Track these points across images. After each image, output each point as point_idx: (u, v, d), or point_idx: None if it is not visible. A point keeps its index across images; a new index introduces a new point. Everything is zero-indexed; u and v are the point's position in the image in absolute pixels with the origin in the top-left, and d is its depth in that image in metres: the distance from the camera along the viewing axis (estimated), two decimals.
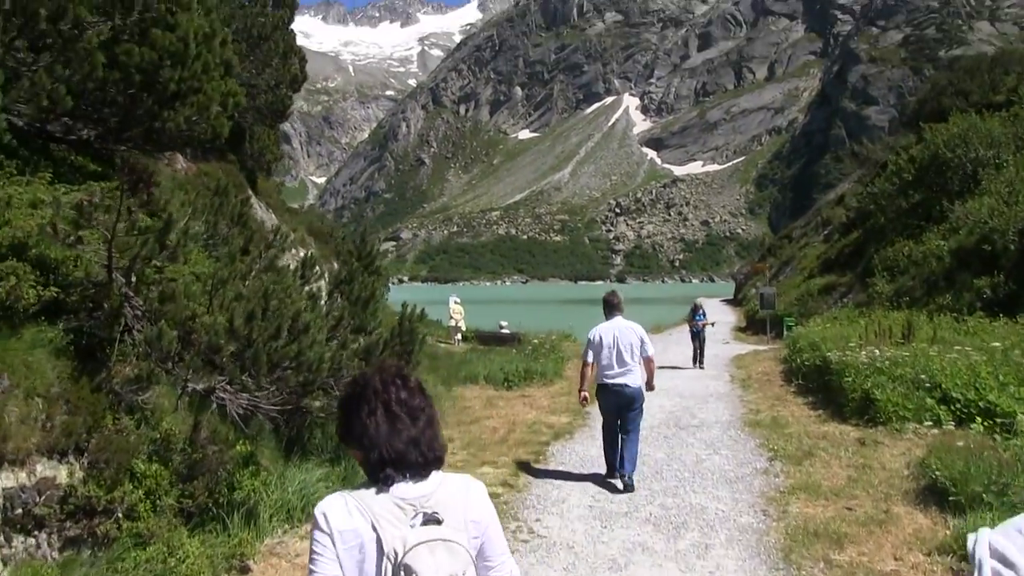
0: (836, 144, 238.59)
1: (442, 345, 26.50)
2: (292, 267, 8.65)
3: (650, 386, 9.05)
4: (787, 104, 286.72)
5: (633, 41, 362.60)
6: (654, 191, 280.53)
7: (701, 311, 22.50)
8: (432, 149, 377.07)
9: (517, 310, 66.72)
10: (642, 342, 8.70)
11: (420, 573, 2.09)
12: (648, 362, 8.85)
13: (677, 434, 11.35)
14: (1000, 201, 21.99)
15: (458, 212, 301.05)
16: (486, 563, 2.32)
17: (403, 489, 2.20)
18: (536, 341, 22.75)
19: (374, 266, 8.70)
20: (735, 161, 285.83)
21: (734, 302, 58.86)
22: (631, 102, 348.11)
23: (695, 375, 19.02)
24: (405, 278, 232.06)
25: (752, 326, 35.20)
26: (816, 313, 27.34)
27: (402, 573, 2.10)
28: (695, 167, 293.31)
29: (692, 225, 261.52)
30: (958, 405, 10.21)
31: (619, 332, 8.69)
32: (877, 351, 12.45)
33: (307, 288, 7.96)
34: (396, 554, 2.10)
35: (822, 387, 13.79)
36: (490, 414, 13.01)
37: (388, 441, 2.21)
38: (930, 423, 10.03)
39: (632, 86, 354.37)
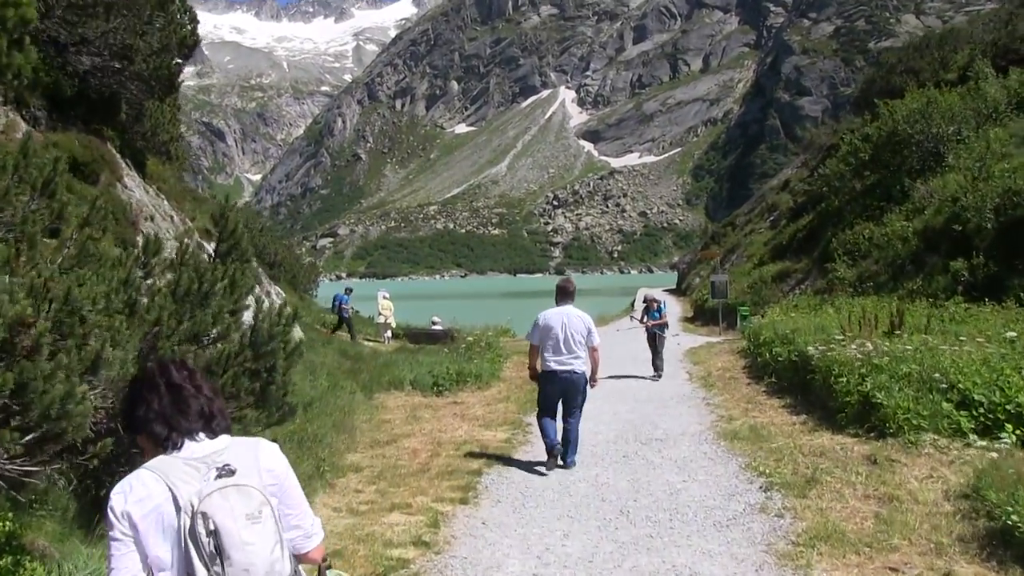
0: (771, 134, 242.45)
1: (369, 344, 24.20)
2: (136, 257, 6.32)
3: (593, 380, 8.89)
4: (722, 95, 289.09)
5: (568, 34, 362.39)
6: (591, 183, 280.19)
7: (657, 307, 17.65)
8: (368, 144, 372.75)
9: (455, 305, 64.70)
10: (589, 331, 8.65)
11: (216, 517, 2.18)
12: (593, 351, 8.77)
13: (640, 452, 9.26)
14: (969, 178, 20.42)
15: (395, 207, 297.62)
16: (290, 510, 2.43)
17: (192, 449, 2.35)
18: (470, 339, 20.56)
19: (240, 249, 6.40)
20: (672, 152, 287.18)
21: (678, 291, 57.22)
22: (567, 95, 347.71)
23: (643, 360, 17.38)
24: (343, 274, 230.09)
25: (701, 316, 33.46)
26: (771, 301, 25.66)
27: (200, 522, 2.18)
28: (632, 159, 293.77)
29: (630, 216, 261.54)
30: (981, 410, 8.33)
31: (568, 319, 8.60)
32: (869, 344, 10.52)
33: (148, 281, 5.64)
34: (192, 506, 2.19)
35: (801, 387, 11.86)
36: (412, 430, 10.78)
37: (175, 415, 2.38)
38: (950, 433, 8.12)
39: (568, 79, 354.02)
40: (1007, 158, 21.04)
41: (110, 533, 2.22)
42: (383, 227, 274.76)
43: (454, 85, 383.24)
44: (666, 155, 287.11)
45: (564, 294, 8.85)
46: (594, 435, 10.16)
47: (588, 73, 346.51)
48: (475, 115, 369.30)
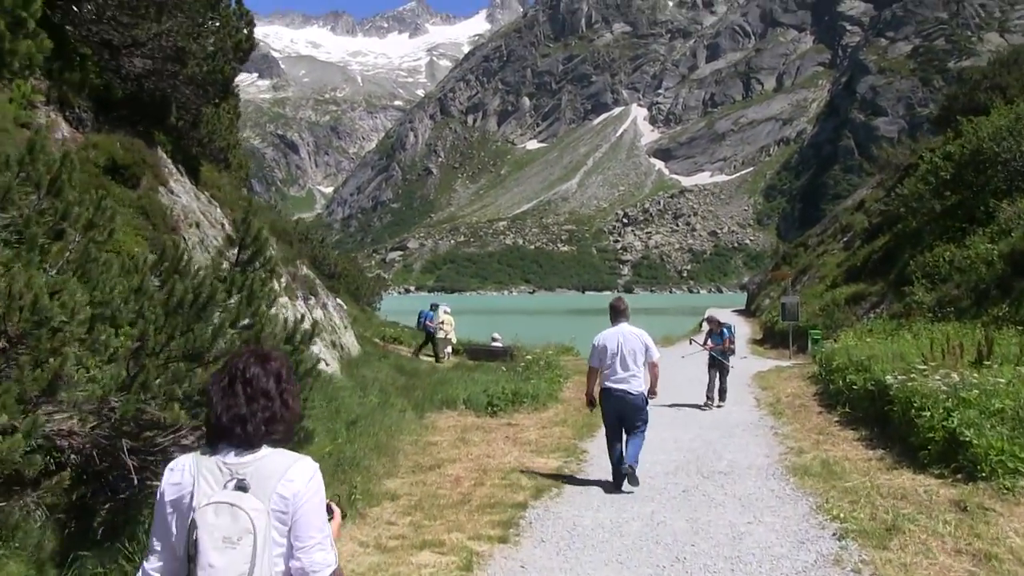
0: (845, 155, 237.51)
1: (426, 359, 23.76)
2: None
3: (653, 392, 9.02)
4: (795, 115, 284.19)
5: (641, 52, 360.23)
6: (662, 201, 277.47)
7: (720, 330, 16.07)
8: (439, 159, 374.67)
9: (520, 321, 64.23)
10: (647, 348, 8.75)
11: (200, 529, 2.29)
12: (653, 367, 8.91)
13: (700, 485, 8.56)
14: None
15: (465, 222, 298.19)
16: (296, 541, 2.42)
17: (227, 455, 2.44)
18: (529, 357, 19.95)
19: (263, 256, 5.91)
20: (743, 172, 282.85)
21: (747, 312, 55.85)
22: (639, 112, 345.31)
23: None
24: (412, 288, 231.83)
25: (770, 339, 32.33)
26: (845, 325, 24.51)
27: (191, 527, 2.31)
28: (703, 178, 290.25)
29: (700, 236, 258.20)
30: None
31: (624, 337, 8.72)
32: (955, 375, 9.64)
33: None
34: (195, 508, 2.33)
35: (877, 419, 11.00)
36: (459, 454, 10.21)
37: (218, 413, 2.46)
38: None
39: (640, 97, 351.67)
40: None
41: (156, 503, 2.46)
42: (452, 241, 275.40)
43: (526, 101, 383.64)
44: (737, 174, 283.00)
45: (617, 313, 9.04)
46: (652, 465, 9.48)
47: (660, 91, 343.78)
48: (546, 131, 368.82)
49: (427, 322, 25.78)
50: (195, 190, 14.10)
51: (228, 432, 2.44)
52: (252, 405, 2.46)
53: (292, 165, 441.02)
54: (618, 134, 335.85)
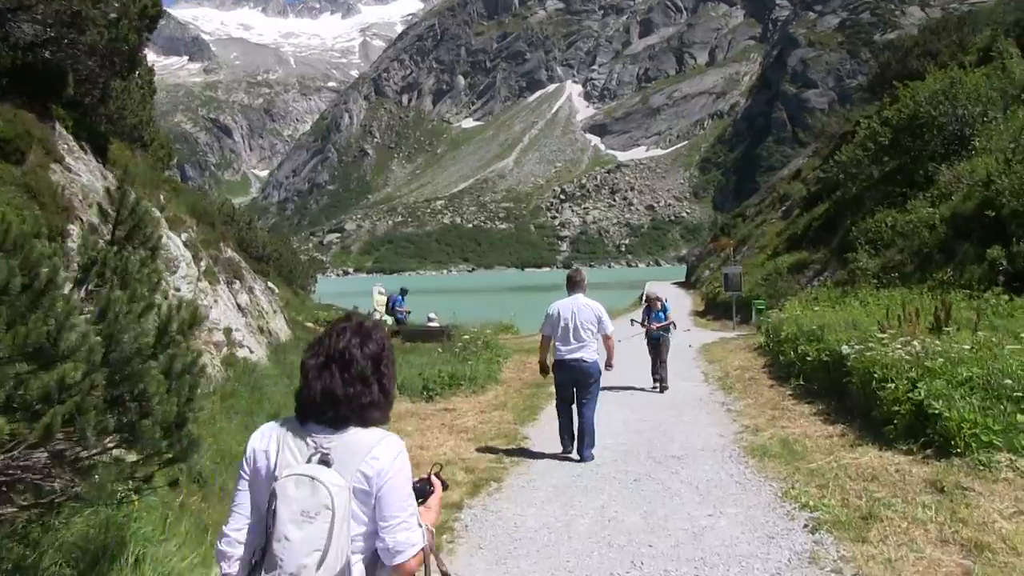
0: (777, 127, 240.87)
1: None
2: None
3: (609, 364, 9.05)
4: (728, 88, 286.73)
5: (575, 28, 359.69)
6: (598, 177, 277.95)
7: (660, 306, 14.85)
8: (375, 140, 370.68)
9: (459, 300, 63.36)
10: (600, 320, 8.73)
11: (279, 500, 2.23)
12: (607, 339, 8.93)
13: (653, 472, 7.86)
14: (1002, 160, 18.94)
15: (402, 202, 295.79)
16: (381, 521, 2.36)
17: (315, 429, 2.39)
18: (467, 337, 19.16)
19: (144, 233, 4.97)
20: (678, 146, 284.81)
21: (687, 284, 55.78)
22: (574, 89, 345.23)
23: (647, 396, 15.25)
24: (350, 269, 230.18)
25: (713, 310, 32.01)
26: (788, 294, 24.19)
27: (271, 498, 2.26)
28: (639, 152, 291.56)
29: (637, 210, 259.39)
30: None
31: (577, 308, 8.76)
32: (916, 343, 9.10)
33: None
34: (276, 478, 2.29)
35: (834, 391, 10.47)
36: None
37: (312, 393, 2.40)
38: None
39: (574, 73, 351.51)
40: None
41: (239, 467, 2.45)
42: (390, 222, 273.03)
43: (460, 80, 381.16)
44: (673, 148, 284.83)
45: (574, 284, 9.09)
46: (600, 451, 8.79)
47: (594, 67, 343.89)
48: (482, 110, 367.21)
49: (396, 307, 24.94)
50: (101, 169, 12.97)
51: (319, 412, 2.40)
52: (348, 390, 2.40)
53: (226, 149, 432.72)
54: (553, 111, 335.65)
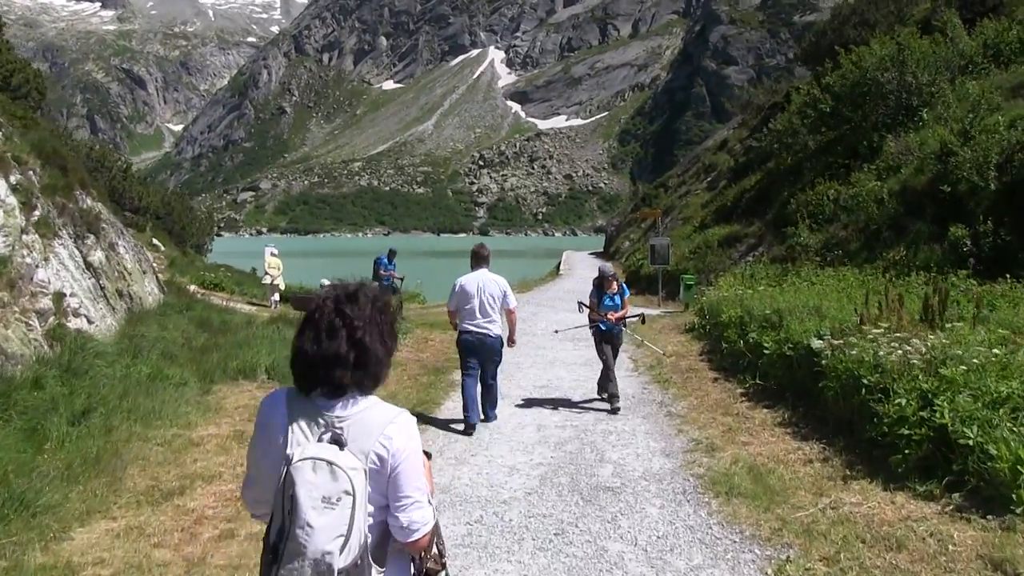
0: (697, 102, 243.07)
1: (246, 309, 20.15)
2: None
3: (511, 341, 9.15)
4: (650, 61, 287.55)
5: None
6: (518, 144, 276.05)
7: (616, 287, 10.20)
8: (294, 98, 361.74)
9: (369, 263, 60.69)
10: (504, 294, 8.82)
11: (298, 485, 2.16)
12: (510, 314, 8.99)
13: (582, 520, 5.60)
14: (958, 132, 17.28)
15: (319, 162, 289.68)
16: (395, 501, 2.33)
17: (324, 404, 2.30)
18: None
19: None
20: (598, 116, 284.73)
21: (606, 255, 53.95)
22: (496, 55, 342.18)
23: (584, 361, 12.77)
24: (264, 229, 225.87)
25: (635, 283, 29.96)
26: (719, 269, 22.39)
27: (287, 481, 2.18)
28: (559, 121, 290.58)
29: (555, 179, 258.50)
30: None
31: (483, 283, 8.77)
32: (917, 341, 7.07)
33: None
34: (290, 459, 2.19)
35: (800, 393, 8.44)
36: (226, 463, 6.96)
37: (299, 357, 2.31)
38: None
39: (498, 39, 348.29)
40: (997, 111, 18.01)
41: (253, 434, 2.42)
42: (306, 182, 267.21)
43: (383, 41, 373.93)
44: (593, 119, 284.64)
45: (479, 259, 9.01)
46: (508, 477, 6.58)
47: (518, 34, 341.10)
48: (403, 72, 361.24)
49: (382, 271, 21.71)
50: None
51: (311, 376, 2.28)
52: (332, 347, 2.28)
53: (139, 101, 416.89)
54: (475, 76, 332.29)
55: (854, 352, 7.41)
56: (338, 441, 2.23)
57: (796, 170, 24.87)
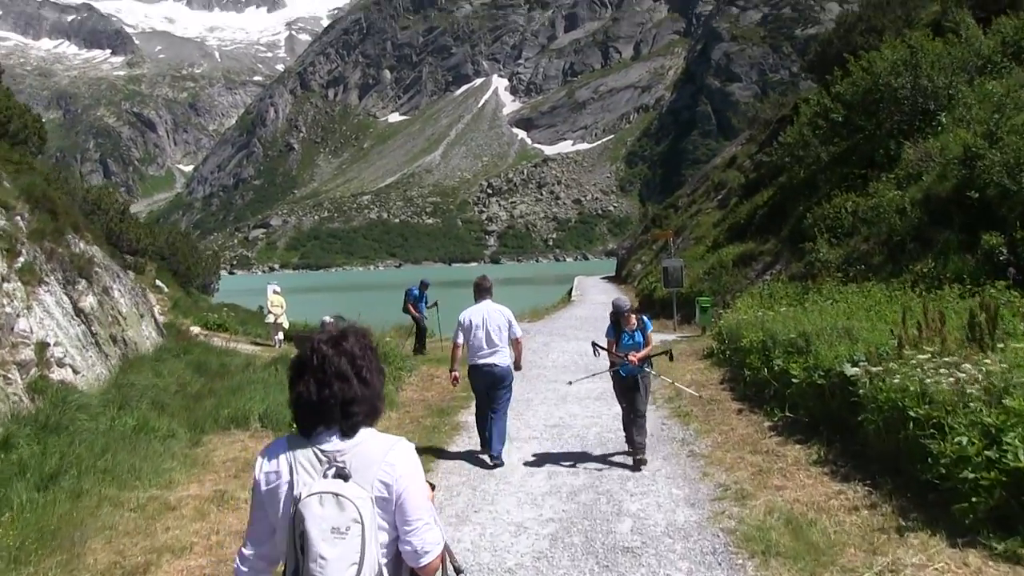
0: (702, 120, 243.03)
1: (246, 350, 19.48)
2: None
3: (518, 366, 9.12)
4: (653, 82, 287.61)
5: (500, 23, 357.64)
6: (525, 171, 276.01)
7: (635, 323, 8.71)
8: (301, 134, 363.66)
9: (382, 295, 60.15)
10: (510, 324, 8.86)
11: (307, 520, 2.24)
12: (516, 343, 9.02)
13: None
14: (983, 134, 16.48)
15: (329, 197, 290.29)
16: (404, 525, 2.38)
17: (324, 442, 2.38)
18: None
19: None
20: (604, 139, 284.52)
21: (618, 279, 53.12)
22: (500, 83, 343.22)
23: (598, 394, 11.78)
24: (276, 266, 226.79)
25: (648, 307, 29.18)
26: (736, 289, 21.59)
27: (297, 518, 2.26)
28: (565, 146, 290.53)
29: (564, 204, 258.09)
30: None
31: (488, 314, 8.81)
32: (969, 366, 6.27)
33: None
34: (298, 499, 2.28)
35: (834, 426, 7.63)
36: (201, 530, 6.20)
37: (295, 399, 2.42)
38: None
39: (500, 67, 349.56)
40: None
41: (251, 492, 2.46)
42: (316, 217, 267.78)
43: (387, 74, 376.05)
44: (599, 142, 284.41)
45: (481, 291, 9.09)
46: (514, 536, 5.80)
47: (520, 61, 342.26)
48: (408, 104, 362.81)
49: (412, 303, 20.13)
50: None
51: (309, 417, 2.39)
52: (325, 391, 2.38)
53: (150, 144, 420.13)
54: (480, 105, 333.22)
55: (896, 380, 6.60)
56: (342, 475, 2.31)
57: (810, 183, 24.07)
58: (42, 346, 10.47)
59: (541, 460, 8.34)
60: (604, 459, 8.36)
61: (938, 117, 20.11)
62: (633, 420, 8.27)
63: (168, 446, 8.95)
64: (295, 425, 2.44)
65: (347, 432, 2.37)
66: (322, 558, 2.20)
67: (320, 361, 2.39)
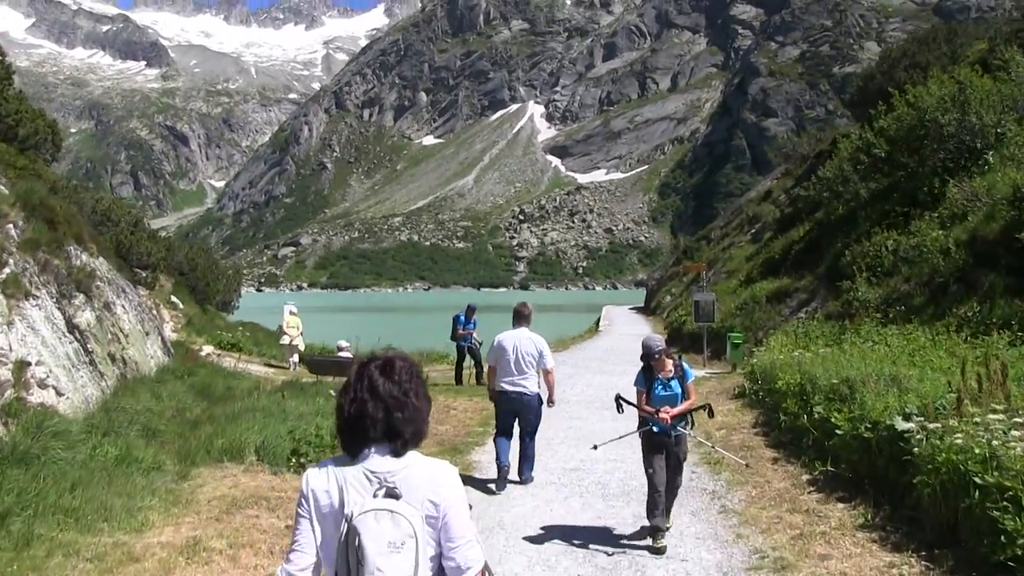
0: (737, 154, 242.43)
1: (257, 372, 18.97)
2: None
3: (550, 401, 9.10)
4: (689, 115, 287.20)
5: (539, 49, 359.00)
6: (558, 198, 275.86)
7: (672, 368, 6.99)
8: (335, 154, 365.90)
9: (408, 319, 59.77)
10: (541, 354, 8.84)
11: (363, 536, 2.35)
12: (547, 375, 8.95)
13: None
14: None
15: (360, 218, 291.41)
16: (448, 542, 2.49)
17: (373, 462, 2.49)
18: None
19: None
20: (638, 170, 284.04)
21: (646, 310, 52.32)
22: (536, 110, 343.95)
23: (626, 443, 11.10)
24: (304, 284, 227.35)
25: (677, 341, 28.39)
26: (769, 326, 20.83)
27: (351, 535, 2.36)
28: (599, 175, 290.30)
29: (596, 232, 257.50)
30: None
31: (520, 341, 8.86)
32: None
33: None
34: (350, 516, 2.38)
35: (883, 486, 6.91)
36: None
37: (362, 425, 2.50)
38: None
39: (537, 94, 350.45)
40: None
41: (297, 507, 2.55)
42: (347, 237, 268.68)
43: (423, 96, 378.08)
44: (633, 172, 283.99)
45: (519, 317, 9.15)
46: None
47: (557, 88, 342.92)
48: (443, 127, 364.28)
49: (460, 330, 19.08)
50: None
51: (357, 438, 2.50)
52: (395, 410, 2.50)
53: (182, 158, 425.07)
54: (515, 131, 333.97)
55: (957, 439, 5.90)
56: (393, 494, 2.41)
57: (849, 219, 23.32)
58: (21, 365, 9.74)
59: (557, 511, 7.68)
60: (627, 508, 7.68)
61: (985, 156, 19.39)
62: (660, 490, 6.65)
63: (151, 480, 8.25)
64: (342, 446, 2.54)
65: (396, 453, 2.49)
66: (379, 570, 2.32)
67: (371, 385, 2.52)
